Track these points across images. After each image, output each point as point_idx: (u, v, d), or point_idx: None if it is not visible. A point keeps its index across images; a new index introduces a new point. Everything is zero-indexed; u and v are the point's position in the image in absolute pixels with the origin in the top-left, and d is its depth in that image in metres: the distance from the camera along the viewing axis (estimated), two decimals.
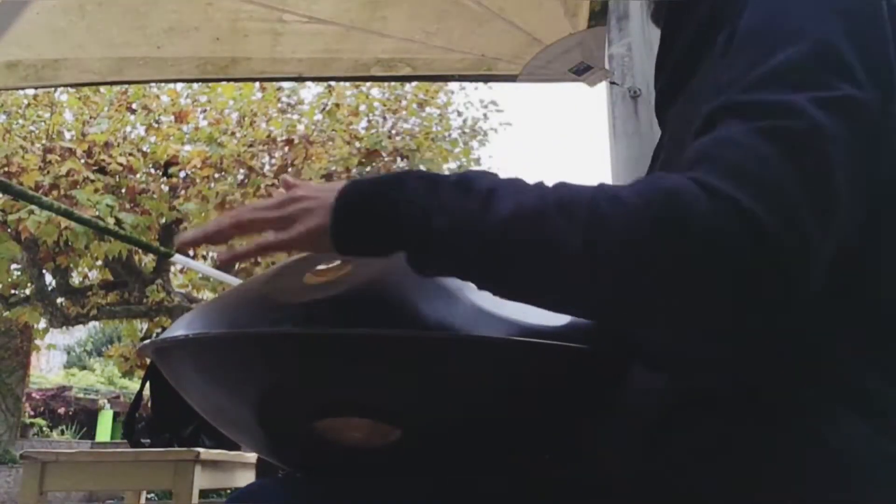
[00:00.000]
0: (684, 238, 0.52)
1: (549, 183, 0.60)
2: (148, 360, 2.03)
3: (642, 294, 0.55)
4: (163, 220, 7.08)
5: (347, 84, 7.31)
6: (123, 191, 7.02)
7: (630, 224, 0.54)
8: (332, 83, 7.17)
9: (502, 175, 0.62)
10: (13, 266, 7.29)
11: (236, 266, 7.52)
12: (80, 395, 13.47)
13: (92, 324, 9.15)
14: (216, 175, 6.96)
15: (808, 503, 0.57)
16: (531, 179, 0.61)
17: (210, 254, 7.67)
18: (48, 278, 7.41)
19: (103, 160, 6.91)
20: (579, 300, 0.59)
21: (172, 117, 7.41)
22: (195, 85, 7.07)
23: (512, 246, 0.57)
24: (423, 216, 0.59)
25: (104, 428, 12.94)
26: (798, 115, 0.55)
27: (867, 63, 0.58)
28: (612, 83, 2.08)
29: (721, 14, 0.69)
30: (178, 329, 0.72)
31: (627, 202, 0.54)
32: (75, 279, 7.80)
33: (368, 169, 7.35)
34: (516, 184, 0.60)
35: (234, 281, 3.98)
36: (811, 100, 0.55)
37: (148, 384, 2.47)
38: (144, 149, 7.21)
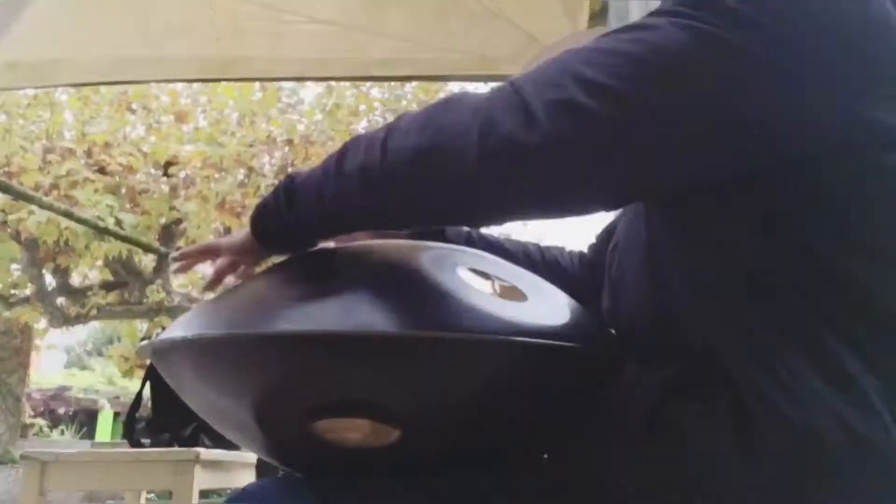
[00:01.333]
0: (463, 107, 0.63)
1: None
2: (148, 360, 2.03)
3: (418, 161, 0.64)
4: (163, 220, 7.07)
5: (347, 84, 7.30)
6: (123, 191, 7.01)
7: (421, 116, 0.67)
8: (332, 83, 7.17)
9: None
10: (13, 266, 7.28)
11: None
12: (80, 395, 13.46)
13: (92, 324, 9.15)
14: (216, 175, 6.95)
15: (802, 495, 0.57)
16: None
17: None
18: (48, 278, 7.40)
19: (103, 160, 6.90)
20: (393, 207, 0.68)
21: (172, 117, 7.40)
22: (195, 85, 7.07)
23: (345, 162, 0.70)
24: (314, 180, 0.73)
25: (104, 428, 12.93)
26: (624, 29, 0.62)
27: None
28: None
29: None
30: (176, 330, 0.72)
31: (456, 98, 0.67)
32: (75, 279, 7.79)
33: None
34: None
35: (234, 281, 3.97)
36: (660, 22, 0.60)
37: (148, 384, 2.47)
38: (144, 149, 7.20)
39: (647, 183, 0.63)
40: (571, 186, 0.61)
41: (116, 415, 12.79)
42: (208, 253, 0.92)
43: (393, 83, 7.20)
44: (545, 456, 0.76)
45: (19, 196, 4.56)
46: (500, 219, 0.69)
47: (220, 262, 0.88)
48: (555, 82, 0.60)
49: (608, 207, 0.72)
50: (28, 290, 7.49)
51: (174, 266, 0.96)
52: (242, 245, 0.83)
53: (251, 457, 2.24)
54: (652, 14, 0.62)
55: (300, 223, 0.74)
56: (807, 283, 0.60)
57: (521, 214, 0.65)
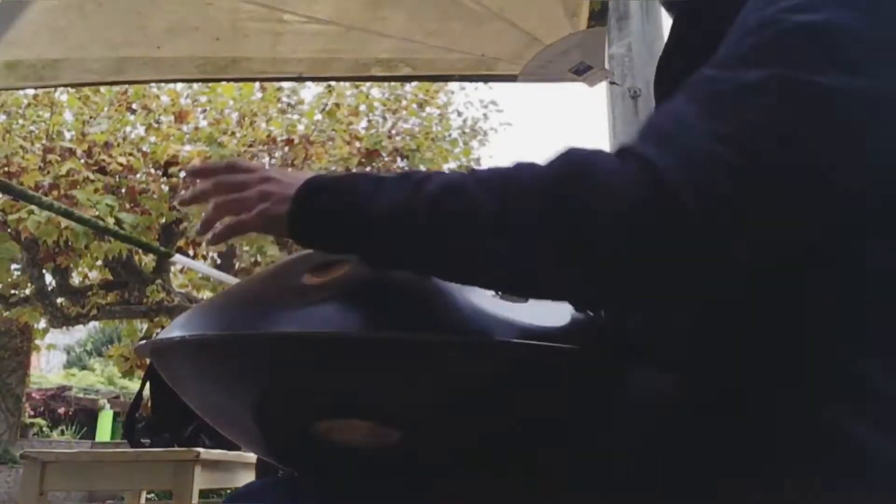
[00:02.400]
0: (585, 187, 0.54)
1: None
2: (148, 360, 2.03)
3: (554, 251, 0.55)
4: (163, 220, 7.08)
5: (347, 84, 7.31)
6: (123, 191, 7.01)
7: (537, 179, 0.57)
8: (332, 83, 7.17)
9: None
10: (13, 266, 7.28)
11: (236, 266, 7.53)
12: (80, 395, 13.47)
13: (92, 324, 9.15)
14: None
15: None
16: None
17: (210, 254, 7.68)
18: (48, 278, 7.40)
19: (103, 160, 6.91)
20: (503, 267, 0.60)
21: (172, 117, 7.40)
22: (195, 85, 7.07)
23: (437, 219, 0.60)
24: (366, 203, 0.64)
25: (104, 428, 12.93)
26: (730, 81, 0.55)
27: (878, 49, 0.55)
28: (612, 83, 2.08)
29: (735, 16, 0.68)
30: (176, 329, 0.72)
31: (538, 165, 0.58)
32: (75, 279, 7.80)
33: (368, 169, 7.35)
34: (451, 174, 0.64)
35: (234, 281, 3.98)
36: (767, 77, 0.54)
37: (148, 384, 2.47)
38: (144, 149, 7.21)
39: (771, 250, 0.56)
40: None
41: (116, 415, 12.80)
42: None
43: (393, 83, 7.20)
44: (547, 457, 0.76)
45: (19, 196, 4.56)
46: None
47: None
48: (696, 166, 0.52)
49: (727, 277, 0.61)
50: (28, 290, 7.49)
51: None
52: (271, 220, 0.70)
53: (251, 457, 2.24)
54: (746, 56, 0.57)
55: (351, 249, 0.66)
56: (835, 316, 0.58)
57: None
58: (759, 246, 0.54)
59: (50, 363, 16.88)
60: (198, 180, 0.78)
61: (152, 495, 7.65)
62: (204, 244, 7.38)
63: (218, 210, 0.74)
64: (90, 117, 7.11)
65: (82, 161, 6.81)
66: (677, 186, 0.51)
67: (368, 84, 7.34)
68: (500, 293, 0.68)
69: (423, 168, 7.44)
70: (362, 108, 7.75)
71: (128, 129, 7.34)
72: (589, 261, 0.54)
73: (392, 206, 0.62)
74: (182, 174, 7.03)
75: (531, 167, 0.58)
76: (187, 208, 6.64)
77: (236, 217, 0.71)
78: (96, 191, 6.46)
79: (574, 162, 0.56)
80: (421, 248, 0.62)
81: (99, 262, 7.26)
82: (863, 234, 0.58)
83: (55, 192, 6.42)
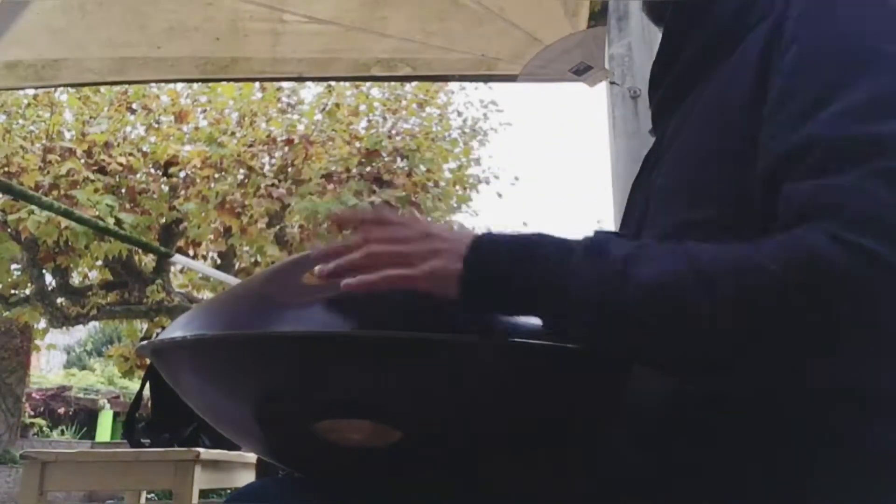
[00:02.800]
0: (832, 299, 0.52)
1: (680, 248, 0.59)
2: (148, 360, 2.03)
3: (796, 354, 0.55)
4: (163, 220, 7.08)
5: (347, 84, 7.30)
6: (123, 191, 7.01)
7: (777, 293, 0.53)
8: (332, 83, 7.17)
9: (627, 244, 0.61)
10: (13, 266, 7.28)
11: (236, 266, 7.53)
12: (80, 395, 13.47)
13: (92, 324, 9.15)
14: (216, 175, 6.96)
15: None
16: (666, 252, 0.59)
17: (210, 254, 7.68)
18: (48, 278, 7.40)
19: (103, 160, 6.91)
20: (722, 368, 0.58)
21: (172, 117, 7.40)
22: (195, 85, 7.07)
23: (651, 316, 0.57)
24: (559, 280, 0.60)
25: (104, 428, 12.94)
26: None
27: None
28: (612, 83, 2.08)
29: (743, 21, 0.67)
30: (176, 329, 0.72)
31: (772, 272, 0.53)
32: (75, 279, 7.79)
33: (368, 169, 7.35)
34: (649, 251, 0.60)
35: (234, 281, 3.98)
36: None
37: (148, 384, 2.47)
38: (144, 149, 7.21)
39: None
40: None
41: (116, 415, 12.80)
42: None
43: (393, 83, 7.20)
44: (548, 458, 0.76)
45: (19, 196, 4.56)
46: None
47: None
48: None
49: None
50: (28, 290, 7.49)
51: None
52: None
53: (251, 457, 2.25)
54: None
55: (531, 313, 0.63)
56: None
57: None
58: None
59: (50, 363, 16.88)
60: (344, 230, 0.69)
61: (152, 495, 7.65)
62: (204, 244, 7.38)
63: (372, 258, 0.65)
64: (90, 117, 7.11)
65: (82, 161, 6.81)
66: None
67: (368, 84, 7.34)
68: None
69: (422, 168, 7.44)
70: (362, 108, 7.75)
71: (128, 129, 7.34)
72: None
73: (591, 291, 0.58)
74: (182, 174, 7.03)
75: (756, 267, 0.54)
76: (187, 208, 6.63)
77: (398, 270, 0.64)
78: (96, 191, 6.46)
79: (804, 267, 0.53)
80: (623, 337, 0.59)
81: (99, 262, 7.26)
82: None
83: (55, 192, 6.42)
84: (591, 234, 0.63)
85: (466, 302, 0.63)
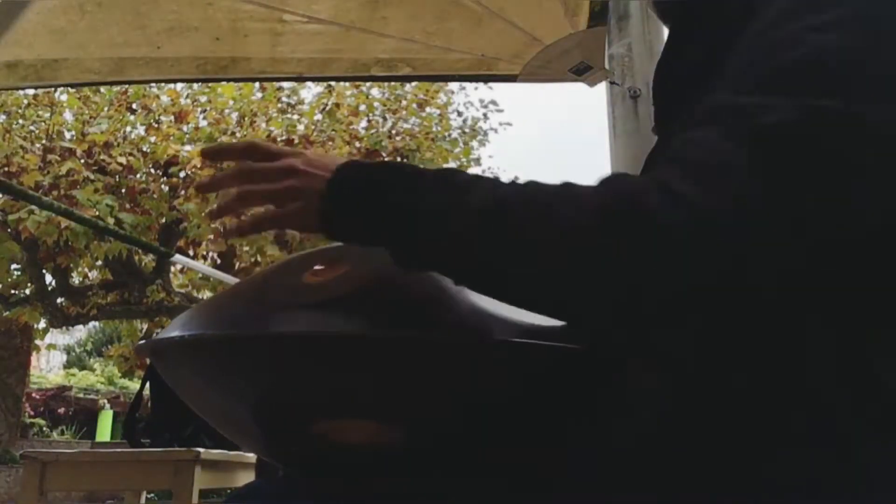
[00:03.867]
0: (629, 226, 0.53)
1: (523, 181, 0.62)
2: (148, 360, 2.04)
3: (589, 283, 0.55)
4: (163, 220, 7.08)
5: (347, 84, 7.31)
6: (123, 191, 7.02)
7: (579, 214, 0.55)
8: (332, 83, 7.17)
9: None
10: (13, 266, 7.29)
11: (236, 266, 7.53)
12: (80, 395, 13.47)
13: (92, 324, 9.16)
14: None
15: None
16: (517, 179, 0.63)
17: (210, 254, 7.68)
18: (48, 278, 7.41)
19: (103, 160, 6.91)
20: (533, 291, 0.60)
21: (172, 117, 7.40)
22: (195, 85, 7.08)
23: (479, 237, 0.59)
24: (407, 204, 0.62)
25: (104, 428, 12.94)
26: (769, 117, 0.54)
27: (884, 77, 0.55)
28: (612, 83, 2.08)
29: (744, 25, 0.68)
30: (175, 329, 0.72)
31: (582, 196, 0.56)
32: (75, 279, 7.80)
33: None
34: (491, 180, 0.62)
35: (234, 281, 3.98)
36: (797, 105, 0.54)
37: (148, 384, 2.47)
38: (144, 149, 7.21)
39: None
40: None
41: (116, 415, 12.80)
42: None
43: (393, 83, 7.20)
44: (547, 457, 0.76)
45: (19, 196, 4.56)
46: None
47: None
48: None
49: None
50: (28, 290, 7.50)
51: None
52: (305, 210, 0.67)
53: (251, 457, 2.25)
54: None
55: (385, 246, 0.64)
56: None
57: None
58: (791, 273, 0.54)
59: (50, 363, 16.89)
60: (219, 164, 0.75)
61: (152, 495, 7.65)
62: (204, 244, 7.38)
63: (243, 201, 0.69)
64: (90, 117, 7.11)
65: (82, 161, 6.81)
66: (729, 233, 0.51)
67: (368, 84, 7.34)
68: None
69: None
70: (362, 108, 7.75)
71: (128, 129, 7.34)
72: (639, 303, 0.55)
73: (434, 211, 0.61)
74: (182, 174, 7.04)
75: (572, 194, 0.57)
76: (187, 208, 6.63)
77: (266, 212, 0.68)
78: (96, 191, 6.46)
79: (613, 196, 0.55)
80: (459, 259, 0.61)
81: (99, 262, 7.26)
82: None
83: (55, 192, 6.42)
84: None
85: (328, 236, 0.66)
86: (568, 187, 0.58)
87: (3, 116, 7.07)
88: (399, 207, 0.62)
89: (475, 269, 0.61)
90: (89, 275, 7.98)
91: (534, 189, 0.60)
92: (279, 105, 7.55)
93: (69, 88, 6.48)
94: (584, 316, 0.59)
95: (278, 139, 7.29)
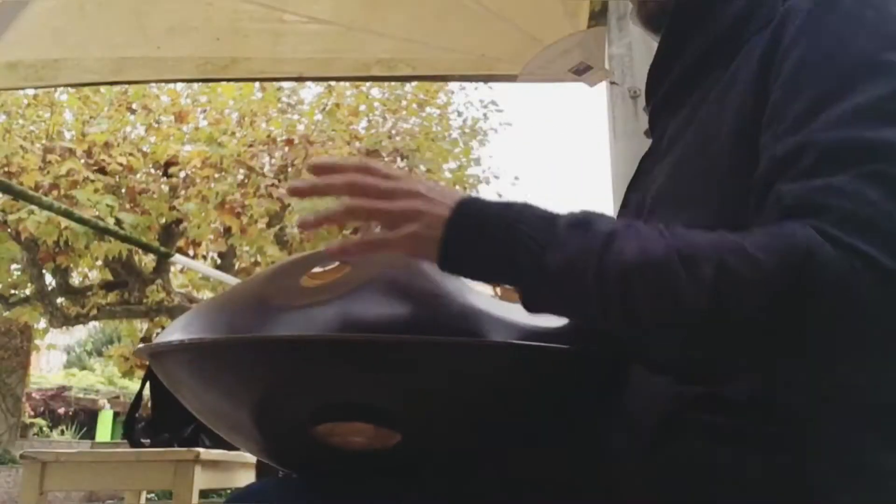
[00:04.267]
0: (818, 293, 0.52)
1: (667, 230, 0.59)
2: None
3: (773, 350, 0.55)
4: (163, 220, 7.08)
5: (347, 84, 7.30)
6: (123, 191, 7.01)
7: (764, 284, 0.53)
8: (332, 83, 7.17)
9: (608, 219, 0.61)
10: (13, 266, 7.28)
11: (236, 266, 7.53)
12: (80, 395, 13.46)
13: (92, 324, 9.15)
14: (216, 175, 6.95)
15: None
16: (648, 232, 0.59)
17: (210, 254, 7.68)
18: (48, 278, 7.40)
19: (103, 160, 6.90)
20: (692, 350, 0.60)
21: (172, 117, 7.40)
22: (195, 85, 7.07)
23: (632, 291, 0.56)
24: (539, 250, 0.59)
25: (104, 428, 12.92)
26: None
27: None
28: (612, 83, 2.08)
29: (744, 28, 0.68)
30: (175, 332, 0.71)
31: (757, 260, 0.53)
32: (75, 279, 7.79)
33: None
34: (637, 229, 0.59)
35: (234, 281, 3.98)
36: None
37: (148, 384, 2.47)
38: (144, 149, 7.21)
39: None
40: None
41: (116, 415, 12.79)
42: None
43: (393, 83, 7.20)
44: (547, 459, 0.76)
45: (19, 196, 4.56)
46: None
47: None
48: None
49: None
50: (28, 290, 7.49)
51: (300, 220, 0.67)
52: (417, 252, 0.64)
53: (251, 457, 2.24)
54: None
55: (507, 280, 0.63)
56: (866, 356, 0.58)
57: None
58: None
59: (50, 363, 16.87)
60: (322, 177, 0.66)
61: (152, 495, 7.65)
62: (204, 244, 7.38)
63: (351, 213, 0.64)
64: (90, 117, 7.10)
65: (82, 161, 6.81)
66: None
67: (368, 84, 7.34)
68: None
69: (423, 168, 7.44)
70: (362, 108, 7.75)
71: (128, 129, 7.33)
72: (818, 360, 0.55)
73: (573, 261, 0.58)
74: (182, 174, 7.03)
75: (744, 256, 0.54)
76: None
77: (379, 234, 0.64)
78: (96, 191, 6.46)
79: (793, 258, 0.53)
80: (602, 310, 0.58)
81: (99, 262, 7.26)
82: None
83: (55, 192, 6.42)
84: (576, 210, 0.62)
85: (443, 266, 0.62)
86: (728, 242, 0.55)
87: (3, 116, 7.07)
88: (532, 247, 0.59)
89: (617, 321, 0.59)
90: (89, 275, 7.97)
91: (687, 242, 0.56)
92: (279, 105, 7.54)
93: (69, 88, 6.48)
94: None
95: (278, 139, 7.29)
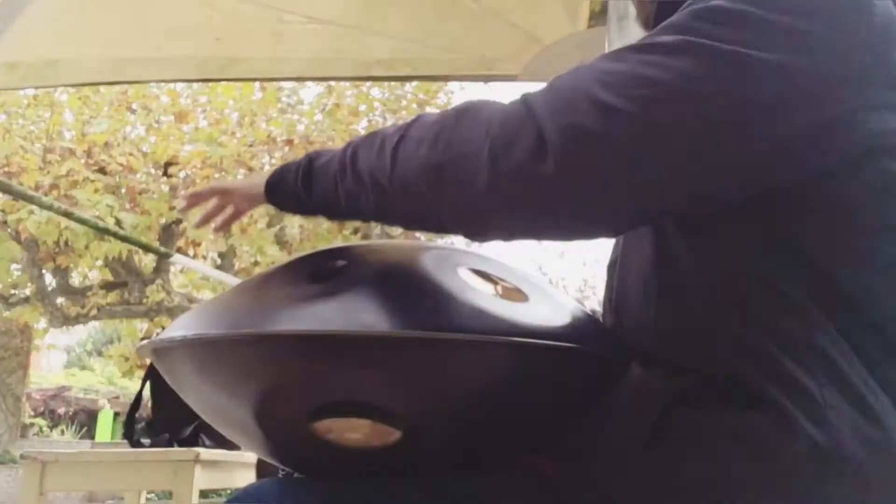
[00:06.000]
0: (467, 118, 0.64)
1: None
2: (148, 361, 2.03)
3: (434, 175, 0.65)
4: (163, 220, 7.08)
5: (347, 84, 7.31)
6: (123, 191, 7.01)
7: (432, 118, 0.68)
8: (332, 83, 7.17)
9: None
10: (13, 266, 7.28)
11: (236, 266, 7.53)
12: (80, 395, 13.46)
13: (92, 324, 9.15)
14: (216, 175, 6.95)
15: (808, 502, 0.57)
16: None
17: (210, 254, 7.68)
18: (48, 278, 7.40)
19: (103, 160, 6.90)
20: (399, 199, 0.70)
21: (172, 117, 7.40)
22: (195, 85, 7.07)
23: (355, 162, 0.74)
24: (328, 167, 0.79)
25: (104, 428, 12.92)
26: (640, 49, 0.61)
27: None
28: None
29: None
30: (176, 329, 0.72)
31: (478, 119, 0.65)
32: (75, 279, 7.79)
33: None
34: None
35: (234, 281, 3.98)
36: (676, 42, 0.59)
37: (148, 384, 2.47)
38: (144, 149, 7.21)
39: (652, 208, 0.63)
40: (578, 213, 0.61)
41: (116, 415, 12.79)
42: (220, 194, 0.99)
43: (393, 83, 7.20)
44: (546, 457, 0.76)
45: (19, 196, 4.56)
46: (505, 237, 0.67)
47: (230, 207, 0.99)
48: (569, 105, 0.60)
49: (614, 233, 0.74)
50: (28, 290, 7.49)
51: (181, 203, 1.04)
52: (254, 199, 0.92)
53: (251, 457, 2.24)
54: (663, 29, 0.62)
55: (313, 204, 0.81)
56: (824, 302, 0.59)
57: (527, 235, 0.65)
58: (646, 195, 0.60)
59: (50, 363, 16.87)
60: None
61: (152, 495, 7.65)
62: (204, 244, 7.38)
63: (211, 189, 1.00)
64: (90, 117, 7.10)
65: (82, 161, 6.81)
66: (544, 122, 0.59)
67: (368, 84, 7.34)
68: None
69: None
70: (362, 108, 7.75)
71: (128, 129, 7.33)
72: (460, 183, 0.63)
73: (330, 160, 0.79)
74: (182, 174, 7.03)
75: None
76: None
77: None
78: (96, 191, 6.46)
79: (468, 104, 0.66)
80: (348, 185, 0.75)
81: (99, 262, 7.26)
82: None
83: (55, 192, 6.42)
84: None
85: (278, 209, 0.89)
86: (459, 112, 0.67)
87: (3, 116, 7.07)
88: (324, 170, 0.79)
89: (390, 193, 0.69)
90: (89, 275, 7.97)
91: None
92: (279, 105, 7.54)
93: (69, 88, 6.48)
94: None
95: (278, 139, 7.29)
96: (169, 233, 7.27)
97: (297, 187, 0.82)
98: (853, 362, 0.58)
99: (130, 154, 7.01)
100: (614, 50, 0.63)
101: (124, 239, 4.79)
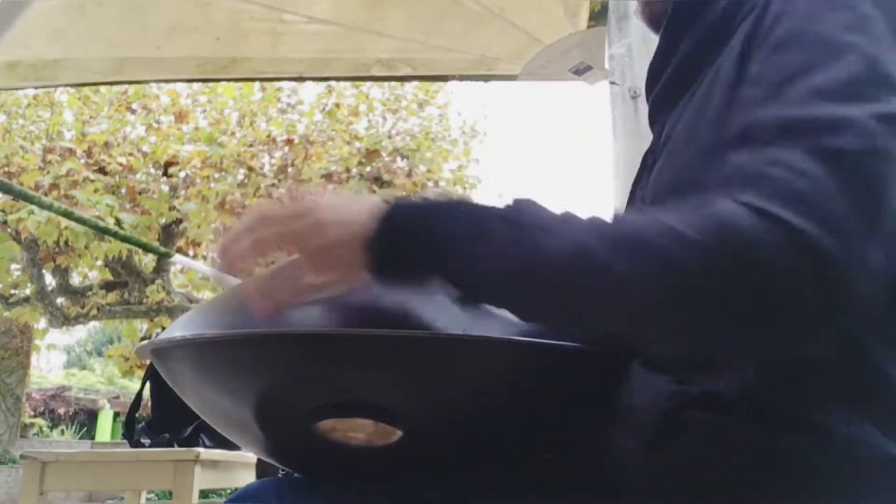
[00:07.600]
0: (744, 268, 0.51)
1: (589, 217, 0.57)
2: (148, 361, 2.04)
3: (701, 325, 0.54)
4: (163, 220, 7.08)
5: (347, 84, 7.31)
6: (123, 191, 7.01)
7: (694, 260, 0.52)
8: (332, 83, 7.17)
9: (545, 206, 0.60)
10: (13, 266, 7.28)
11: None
12: (80, 395, 13.48)
13: (92, 324, 9.14)
14: (216, 175, 6.96)
15: None
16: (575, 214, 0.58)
17: (210, 254, 7.68)
18: (48, 278, 7.40)
19: (103, 160, 6.91)
20: (631, 334, 0.59)
21: (172, 117, 7.40)
22: (195, 85, 7.07)
23: (557, 287, 0.56)
24: (470, 251, 0.58)
25: (104, 428, 12.93)
26: (848, 132, 0.53)
27: None
28: (612, 83, 2.08)
29: (733, 18, 0.68)
30: (176, 330, 0.72)
31: (686, 236, 0.52)
32: (75, 279, 7.79)
33: (368, 169, 7.35)
34: (565, 217, 0.58)
35: (234, 281, 3.97)
36: (868, 115, 0.54)
37: (148, 384, 2.47)
38: (144, 149, 7.21)
39: None
40: None
41: (116, 415, 12.80)
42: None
43: (393, 83, 7.21)
44: (548, 457, 0.76)
45: (19, 196, 4.56)
46: None
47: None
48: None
49: None
50: (28, 290, 7.49)
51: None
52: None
53: (251, 457, 2.25)
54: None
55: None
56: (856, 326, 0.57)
57: None
58: None
59: (50, 363, 16.90)
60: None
61: (152, 495, 7.65)
62: (204, 244, 7.38)
63: (258, 245, 0.65)
64: (90, 117, 7.11)
65: (82, 161, 6.81)
66: (832, 258, 0.50)
67: (368, 84, 7.34)
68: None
69: (423, 168, 7.44)
70: (362, 108, 7.75)
71: (128, 129, 7.34)
72: (745, 336, 0.54)
73: (502, 252, 0.56)
74: (182, 174, 7.04)
75: (668, 231, 0.53)
76: (187, 208, 6.63)
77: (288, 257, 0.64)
78: (96, 191, 6.46)
79: (718, 233, 0.52)
80: (535, 300, 0.58)
81: (99, 262, 7.26)
82: None
83: (55, 192, 6.42)
84: (510, 201, 0.60)
85: (373, 274, 0.60)
86: (656, 221, 0.54)
87: (3, 116, 7.07)
88: (461, 250, 0.58)
89: (553, 312, 0.58)
90: (89, 275, 7.97)
91: (612, 227, 0.56)
92: (279, 105, 7.55)
93: (69, 88, 6.48)
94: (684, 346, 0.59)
95: (278, 139, 7.29)
96: (169, 233, 7.27)
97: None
98: (872, 373, 0.58)
99: (130, 154, 7.01)
100: (810, 135, 0.54)
101: (124, 239, 4.79)
